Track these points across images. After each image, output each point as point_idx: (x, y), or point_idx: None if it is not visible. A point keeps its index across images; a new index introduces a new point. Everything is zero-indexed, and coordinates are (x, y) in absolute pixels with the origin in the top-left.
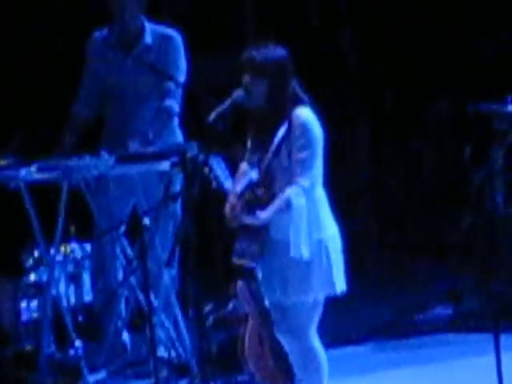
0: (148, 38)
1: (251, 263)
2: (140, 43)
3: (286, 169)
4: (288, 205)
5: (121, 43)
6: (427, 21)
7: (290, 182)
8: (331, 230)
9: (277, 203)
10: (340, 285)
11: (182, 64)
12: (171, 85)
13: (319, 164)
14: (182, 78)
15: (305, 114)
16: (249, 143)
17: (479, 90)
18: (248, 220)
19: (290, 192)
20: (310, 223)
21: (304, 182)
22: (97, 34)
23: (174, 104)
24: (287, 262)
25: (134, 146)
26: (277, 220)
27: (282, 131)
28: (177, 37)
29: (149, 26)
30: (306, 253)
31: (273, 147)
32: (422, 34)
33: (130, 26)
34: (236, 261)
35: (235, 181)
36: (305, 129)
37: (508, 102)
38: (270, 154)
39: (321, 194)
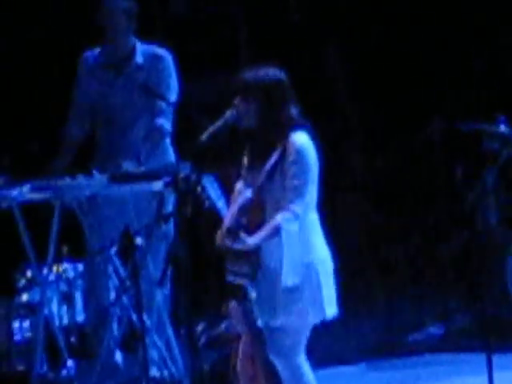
0: (139, 58)
1: (244, 282)
2: (131, 63)
3: (279, 194)
4: (278, 231)
5: (112, 63)
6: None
7: (281, 207)
8: (322, 254)
9: (267, 229)
10: (330, 309)
11: (173, 83)
12: (162, 104)
13: (313, 189)
14: (173, 97)
15: (300, 139)
16: (245, 162)
17: (471, 109)
18: (236, 246)
19: (282, 218)
20: (301, 247)
21: (296, 208)
22: (88, 54)
23: (166, 123)
24: (278, 287)
25: (126, 166)
26: (270, 247)
27: (275, 155)
28: (167, 56)
29: (140, 46)
30: (296, 280)
31: (265, 171)
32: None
33: (122, 46)
34: (230, 279)
35: (231, 201)
36: (299, 155)
37: (499, 122)
38: (262, 178)
39: (313, 218)
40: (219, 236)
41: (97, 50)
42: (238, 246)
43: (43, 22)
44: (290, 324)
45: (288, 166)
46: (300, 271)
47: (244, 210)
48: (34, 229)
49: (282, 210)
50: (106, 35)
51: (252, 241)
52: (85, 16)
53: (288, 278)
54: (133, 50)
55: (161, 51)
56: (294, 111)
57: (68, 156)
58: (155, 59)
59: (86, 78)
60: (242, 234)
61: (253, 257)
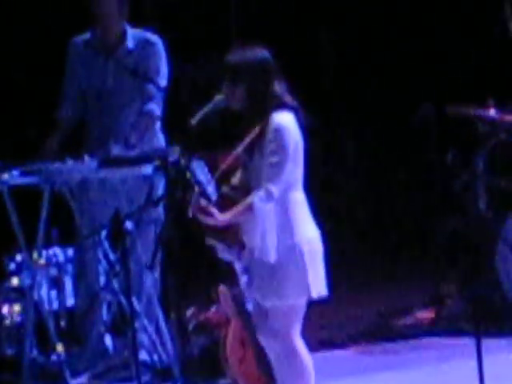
0: (130, 43)
1: (232, 259)
2: (122, 47)
3: (259, 172)
4: (251, 209)
5: (102, 47)
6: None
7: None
8: (308, 234)
9: (239, 206)
10: (317, 289)
11: (164, 68)
12: (153, 88)
13: (294, 169)
14: (163, 82)
15: (280, 118)
16: (241, 145)
17: (463, 93)
18: (208, 220)
19: (255, 196)
20: (282, 227)
21: (271, 186)
22: (78, 39)
23: (156, 108)
24: (261, 266)
25: (116, 150)
26: (248, 226)
27: (254, 131)
28: (158, 42)
29: (131, 31)
30: (272, 256)
31: (242, 145)
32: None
33: (112, 31)
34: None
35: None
36: (277, 134)
37: (489, 106)
38: (244, 157)
39: (296, 197)
40: (193, 203)
41: (87, 35)
42: (209, 221)
43: (37, 11)
44: (280, 305)
45: (266, 144)
46: (282, 250)
47: (233, 189)
48: (23, 213)
49: (258, 188)
50: (97, 19)
51: (223, 217)
52: (76, 1)
53: (263, 253)
54: (123, 35)
55: (152, 37)
56: (278, 90)
57: (58, 138)
58: (146, 44)
59: (75, 62)
60: (213, 210)
61: (230, 234)
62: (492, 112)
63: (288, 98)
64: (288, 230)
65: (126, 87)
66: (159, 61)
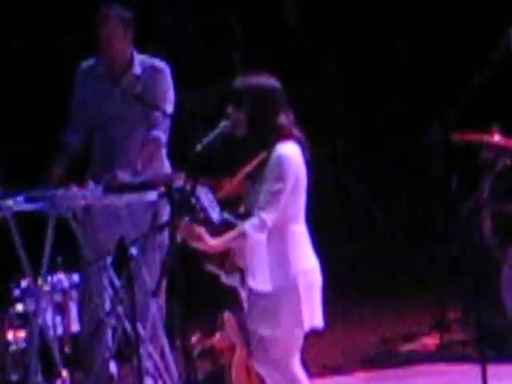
0: (137, 69)
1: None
2: (128, 74)
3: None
4: (243, 236)
5: (109, 73)
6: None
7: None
8: (305, 266)
9: (232, 233)
10: (310, 322)
11: (171, 95)
12: (158, 115)
13: (295, 201)
14: (169, 108)
15: (283, 149)
16: (242, 173)
17: (467, 119)
18: (197, 244)
19: (248, 224)
20: (278, 259)
21: (264, 215)
22: (84, 64)
23: (161, 134)
24: (257, 295)
25: (122, 176)
26: (241, 255)
27: (257, 160)
28: (166, 68)
29: (138, 57)
30: (264, 285)
31: (243, 173)
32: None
33: (119, 57)
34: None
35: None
36: (278, 162)
37: (494, 132)
38: (247, 184)
39: (296, 230)
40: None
41: (93, 60)
42: (199, 245)
43: (43, 30)
44: (276, 334)
45: (268, 173)
46: (278, 282)
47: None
48: (28, 239)
49: (252, 216)
50: (103, 43)
51: (213, 242)
52: (83, 25)
53: (259, 284)
54: (130, 61)
55: (159, 63)
56: (284, 121)
57: (65, 164)
58: (154, 71)
59: (82, 88)
60: (204, 234)
61: (228, 261)
62: (497, 138)
63: (294, 130)
64: (284, 262)
65: (131, 114)
66: (166, 87)
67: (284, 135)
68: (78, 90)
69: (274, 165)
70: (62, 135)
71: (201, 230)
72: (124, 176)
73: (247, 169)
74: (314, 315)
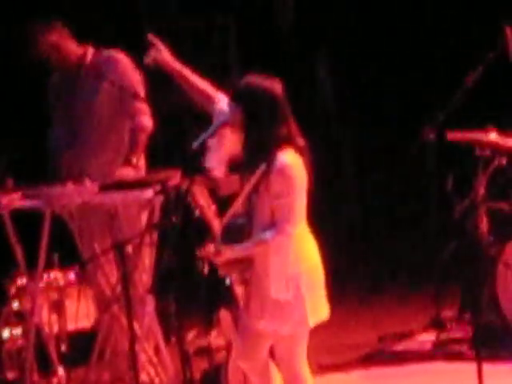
0: (89, 61)
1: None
2: (83, 67)
3: (264, 208)
4: (264, 244)
5: (65, 75)
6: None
7: (269, 222)
8: (308, 263)
9: (253, 241)
10: (315, 318)
11: (136, 77)
12: (135, 103)
13: (301, 205)
14: (142, 91)
15: (285, 158)
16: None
17: (461, 117)
18: (216, 259)
19: (270, 233)
20: (282, 258)
21: (289, 228)
22: (51, 79)
23: (146, 119)
24: (263, 295)
25: (126, 173)
26: (261, 255)
27: (259, 171)
28: (120, 57)
29: (91, 52)
30: (287, 295)
31: (249, 185)
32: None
33: (71, 59)
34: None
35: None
36: (284, 174)
37: (489, 130)
38: (247, 191)
39: (301, 229)
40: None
41: (55, 74)
42: (217, 259)
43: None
44: (278, 333)
45: (273, 184)
46: (279, 280)
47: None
48: (24, 236)
49: (274, 227)
50: (55, 57)
51: (230, 253)
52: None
53: (279, 292)
54: (82, 57)
55: (113, 53)
56: (283, 131)
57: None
58: (109, 62)
59: (55, 99)
60: (221, 246)
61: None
62: (492, 136)
63: (298, 140)
64: (287, 261)
65: (94, 105)
66: (128, 73)
67: (283, 144)
68: (53, 102)
69: (281, 178)
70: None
71: (221, 248)
72: (128, 172)
73: (250, 184)
74: (317, 311)
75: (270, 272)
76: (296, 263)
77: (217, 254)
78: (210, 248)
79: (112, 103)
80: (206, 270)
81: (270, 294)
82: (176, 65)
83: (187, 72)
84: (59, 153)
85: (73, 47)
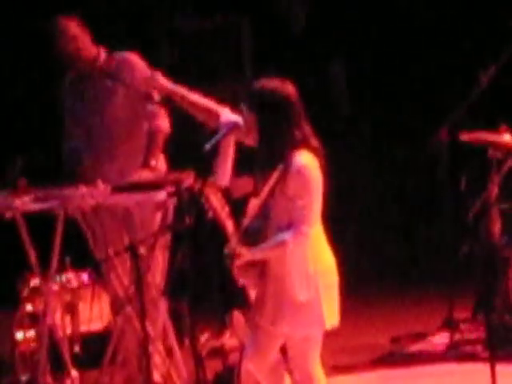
0: (103, 62)
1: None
2: (96, 68)
3: (281, 211)
4: (283, 247)
5: (79, 75)
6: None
7: (286, 224)
8: (324, 265)
9: (271, 242)
10: (330, 320)
11: (146, 75)
12: (150, 105)
13: (317, 206)
14: (156, 95)
15: (301, 159)
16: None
17: (475, 120)
18: (237, 263)
19: (289, 235)
20: (299, 260)
21: (306, 229)
22: (66, 79)
23: (162, 121)
24: (281, 296)
25: (145, 175)
26: (278, 257)
27: (276, 173)
28: (134, 57)
29: (103, 52)
30: (305, 296)
31: (267, 188)
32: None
33: (85, 62)
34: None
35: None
36: (301, 176)
37: (502, 131)
38: (265, 194)
39: (316, 230)
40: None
41: (70, 74)
42: (236, 262)
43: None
44: (294, 333)
45: (290, 186)
46: (298, 282)
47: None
48: (37, 238)
49: (291, 228)
50: (72, 58)
51: (248, 255)
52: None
53: (299, 293)
54: (95, 59)
55: (124, 53)
56: (298, 132)
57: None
58: (123, 64)
59: (70, 100)
60: (240, 249)
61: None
62: (506, 137)
63: (312, 141)
64: (304, 262)
65: (109, 106)
66: (139, 73)
67: (298, 146)
68: (68, 103)
69: (297, 179)
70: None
71: (241, 249)
72: (147, 175)
73: (268, 186)
74: (332, 314)
75: (291, 273)
76: (314, 264)
77: (236, 256)
78: (230, 250)
79: (127, 106)
80: (232, 268)
81: (288, 296)
82: (173, 88)
83: (185, 92)
84: (77, 157)
85: (89, 44)
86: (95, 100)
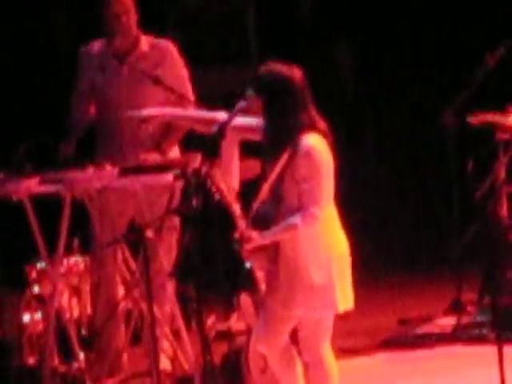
0: (144, 46)
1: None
2: (136, 51)
3: (290, 194)
4: (294, 230)
5: (116, 53)
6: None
7: (295, 208)
8: (338, 249)
9: (282, 226)
10: (344, 304)
11: (184, 74)
12: (187, 104)
13: (328, 187)
14: (190, 93)
15: (310, 141)
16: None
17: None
18: (246, 247)
19: (299, 218)
20: (313, 243)
21: (315, 210)
22: (90, 45)
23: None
24: (295, 279)
25: (153, 158)
26: (290, 241)
27: (285, 157)
28: (172, 47)
29: (143, 37)
30: (323, 277)
31: (276, 172)
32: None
33: (127, 36)
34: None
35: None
36: (310, 158)
37: (509, 112)
38: (274, 177)
39: (329, 213)
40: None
41: (99, 41)
42: (246, 246)
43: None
44: (307, 316)
45: (299, 168)
46: (313, 264)
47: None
48: (44, 221)
49: (301, 211)
50: (111, 26)
51: (262, 238)
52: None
53: (316, 276)
54: (136, 40)
55: (164, 42)
56: (305, 115)
57: (74, 140)
58: (160, 50)
59: (90, 67)
60: (252, 234)
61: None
62: None
63: (320, 124)
64: (318, 246)
65: (139, 91)
66: (179, 67)
67: (306, 129)
68: (84, 70)
69: (306, 161)
70: (67, 115)
71: (251, 233)
72: (155, 157)
73: (277, 169)
74: (346, 297)
75: (304, 256)
76: (327, 248)
77: (247, 240)
78: (239, 234)
79: (157, 95)
80: (241, 252)
81: (301, 279)
82: (167, 112)
83: (180, 112)
84: (80, 133)
85: (135, 24)
86: (124, 83)
